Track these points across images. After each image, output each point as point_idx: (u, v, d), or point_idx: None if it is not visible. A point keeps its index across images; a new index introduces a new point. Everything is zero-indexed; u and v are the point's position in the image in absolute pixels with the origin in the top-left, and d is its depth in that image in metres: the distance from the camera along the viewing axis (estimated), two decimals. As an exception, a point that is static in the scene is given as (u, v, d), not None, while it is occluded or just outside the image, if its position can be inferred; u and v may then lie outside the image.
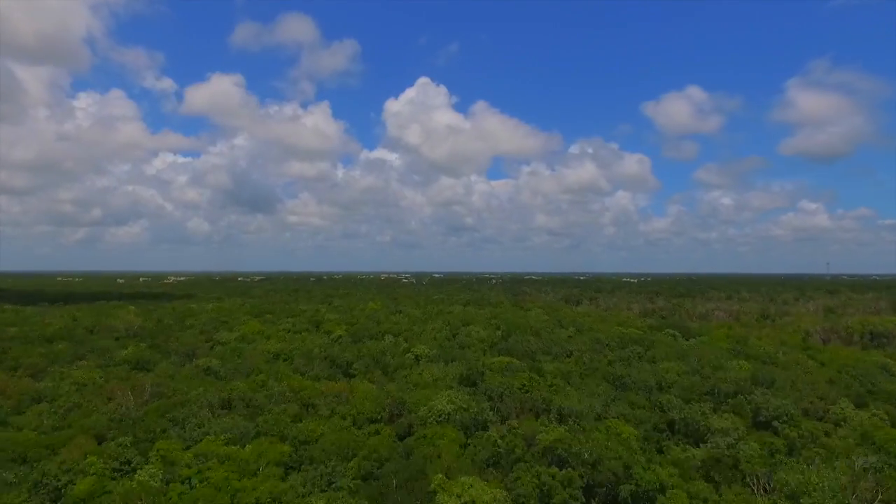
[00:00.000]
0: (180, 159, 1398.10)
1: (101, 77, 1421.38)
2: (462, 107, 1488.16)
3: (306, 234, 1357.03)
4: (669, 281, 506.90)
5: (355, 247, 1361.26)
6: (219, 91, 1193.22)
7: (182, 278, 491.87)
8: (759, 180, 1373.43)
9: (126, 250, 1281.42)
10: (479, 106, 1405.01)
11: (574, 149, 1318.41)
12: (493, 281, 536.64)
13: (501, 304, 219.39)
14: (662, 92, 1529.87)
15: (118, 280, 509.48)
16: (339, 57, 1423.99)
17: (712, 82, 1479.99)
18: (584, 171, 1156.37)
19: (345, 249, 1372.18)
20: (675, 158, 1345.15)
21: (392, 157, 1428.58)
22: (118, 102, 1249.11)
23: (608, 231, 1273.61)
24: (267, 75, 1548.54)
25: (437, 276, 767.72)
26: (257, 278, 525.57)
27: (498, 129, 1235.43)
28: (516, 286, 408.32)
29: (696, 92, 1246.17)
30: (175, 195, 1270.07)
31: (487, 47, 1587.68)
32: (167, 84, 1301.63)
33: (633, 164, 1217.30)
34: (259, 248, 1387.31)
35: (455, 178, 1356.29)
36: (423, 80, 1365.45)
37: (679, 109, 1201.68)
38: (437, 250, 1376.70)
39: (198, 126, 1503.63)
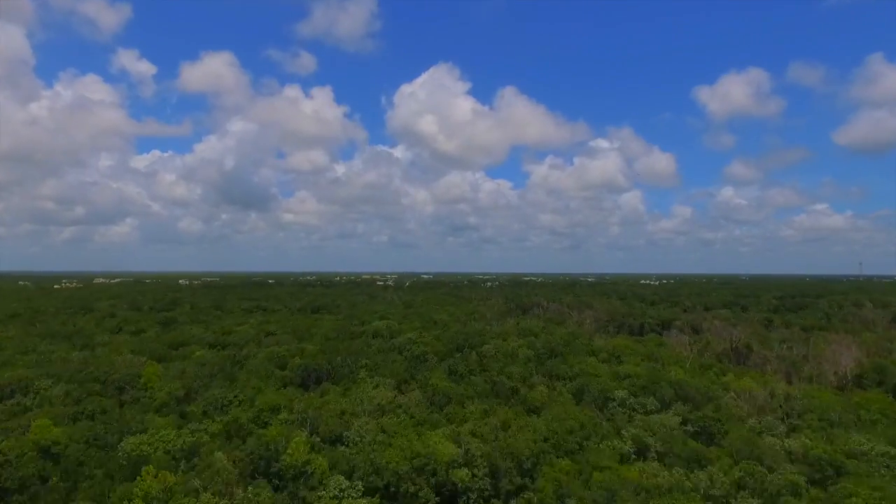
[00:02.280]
0: (165, 154, 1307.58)
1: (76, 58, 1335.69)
2: (481, 92, 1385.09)
3: (302, 232, 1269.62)
4: (737, 285, 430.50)
5: (349, 246, 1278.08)
6: (210, 72, 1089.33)
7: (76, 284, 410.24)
8: (793, 175, 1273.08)
9: (114, 248, 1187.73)
10: (502, 93, 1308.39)
11: (598, 141, 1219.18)
12: (489, 283, 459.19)
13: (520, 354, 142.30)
14: (718, 75, 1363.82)
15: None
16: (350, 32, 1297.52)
17: (774, 65, 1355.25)
18: (602, 166, 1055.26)
19: (339, 249, 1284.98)
20: (714, 149, 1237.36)
21: (399, 149, 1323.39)
22: (96, 87, 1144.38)
23: (613, 231, 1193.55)
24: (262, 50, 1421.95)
25: (426, 276, 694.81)
26: (195, 282, 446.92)
27: (520, 118, 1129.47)
28: (517, 289, 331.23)
29: (757, 74, 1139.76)
30: (161, 189, 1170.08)
31: (514, 29, 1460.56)
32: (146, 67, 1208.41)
33: (658, 158, 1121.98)
34: (248, 247, 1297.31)
35: (464, 172, 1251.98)
36: (440, 63, 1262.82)
37: (736, 92, 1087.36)
38: (436, 249, 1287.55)
39: (183, 109, 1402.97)
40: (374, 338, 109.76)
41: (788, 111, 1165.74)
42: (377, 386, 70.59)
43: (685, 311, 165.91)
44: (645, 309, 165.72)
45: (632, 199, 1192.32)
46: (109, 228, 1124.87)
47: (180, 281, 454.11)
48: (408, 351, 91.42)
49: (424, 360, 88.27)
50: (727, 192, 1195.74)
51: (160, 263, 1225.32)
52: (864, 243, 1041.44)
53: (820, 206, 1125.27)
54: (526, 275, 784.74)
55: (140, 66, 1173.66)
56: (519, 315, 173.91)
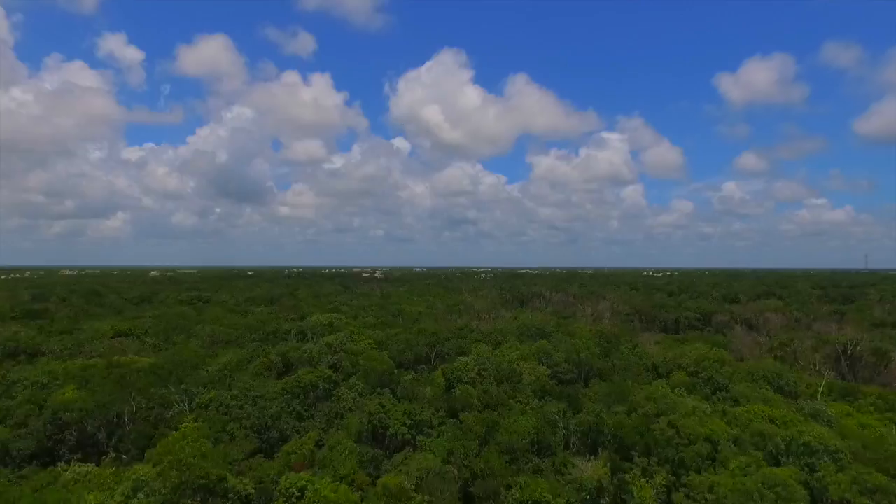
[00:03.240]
0: (158, 145, 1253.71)
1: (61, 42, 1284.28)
2: (489, 80, 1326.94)
3: (297, 226, 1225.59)
4: (750, 278, 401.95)
5: (344, 241, 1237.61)
6: (205, 56, 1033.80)
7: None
8: (803, 166, 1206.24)
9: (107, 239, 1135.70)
10: (510, 80, 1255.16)
11: (605, 132, 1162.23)
12: (482, 275, 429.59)
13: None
14: (740, 61, 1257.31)
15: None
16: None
17: (802, 48, 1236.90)
18: (608, 158, 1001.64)
19: (335, 242, 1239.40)
20: (727, 139, 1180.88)
21: (400, 139, 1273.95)
22: (82, 73, 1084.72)
23: (612, 225, 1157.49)
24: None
25: (418, 269, 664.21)
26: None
27: (527, 107, 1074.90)
28: (513, 280, 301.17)
29: (782, 60, 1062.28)
30: (154, 181, 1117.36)
31: (525, 14, 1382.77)
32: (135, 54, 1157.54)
33: (667, 150, 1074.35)
34: (243, 241, 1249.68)
35: (466, 163, 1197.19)
36: (447, 48, 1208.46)
37: (758, 78, 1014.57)
38: (433, 243, 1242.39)
39: (176, 96, 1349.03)
40: (283, 340, 79.40)
41: (813, 97, 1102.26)
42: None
43: (733, 301, 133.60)
44: (678, 300, 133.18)
45: (634, 192, 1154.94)
46: (101, 222, 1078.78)
47: (151, 273, 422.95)
48: (312, 377, 56.23)
49: (327, 395, 55.17)
50: (732, 185, 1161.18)
51: (159, 258, 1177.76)
52: (865, 237, 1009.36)
53: (822, 200, 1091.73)
54: (521, 268, 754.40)
55: (128, 52, 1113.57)
56: (517, 308, 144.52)
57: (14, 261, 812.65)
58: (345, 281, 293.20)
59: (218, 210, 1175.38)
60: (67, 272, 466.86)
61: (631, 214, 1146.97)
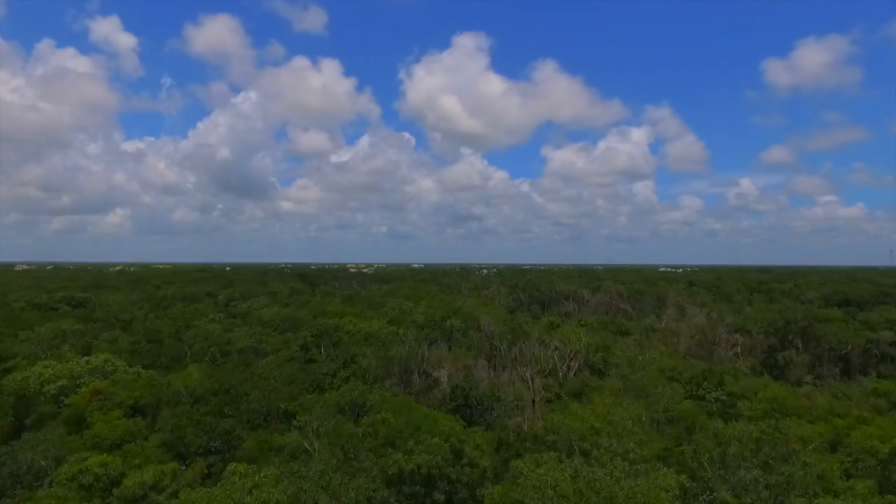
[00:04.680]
0: (157, 138, 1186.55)
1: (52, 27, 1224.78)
2: (510, 66, 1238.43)
3: (298, 222, 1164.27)
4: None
5: (347, 238, 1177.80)
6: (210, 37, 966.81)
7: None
8: (829, 160, 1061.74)
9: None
10: (533, 67, 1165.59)
11: (628, 125, 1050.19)
12: (485, 271, 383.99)
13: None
14: (789, 45, 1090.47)
15: None
16: None
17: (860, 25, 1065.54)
18: (628, 150, 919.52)
19: (336, 239, 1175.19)
20: (760, 130, 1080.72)
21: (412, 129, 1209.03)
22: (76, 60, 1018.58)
23: (620, 221, 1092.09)
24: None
25: (416, 266, 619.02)
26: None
27: (550, 96, 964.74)
28: (520, 277, 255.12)
29: (834, 42, 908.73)
30: (154, 174, 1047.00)
31: None
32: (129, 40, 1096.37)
33: (690, 142, 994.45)
34: (245, 237, 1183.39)
35: (478, 156, 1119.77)
36: (464, 33, 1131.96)
37: (807, 62, 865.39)
38: (434, 239, 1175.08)
39: (177, 85, 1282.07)
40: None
41: (865, 81, 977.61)
42: None
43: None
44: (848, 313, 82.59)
45: (646, 187, 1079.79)
46: (101, 218, 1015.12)
47: (121, 268, 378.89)
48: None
49: None
50: (749, 181, 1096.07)
51: (160, 254, 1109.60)
52: (875, 234, 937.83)
53: (831, 197, 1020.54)
54: (525, 265, 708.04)
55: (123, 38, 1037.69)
56: (539, 313, 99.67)
57: (12, 258, 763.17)
58: (323, 278, 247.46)
59: (220, 206, 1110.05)
60: (22, 267, 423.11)
61: (641, 210, 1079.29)
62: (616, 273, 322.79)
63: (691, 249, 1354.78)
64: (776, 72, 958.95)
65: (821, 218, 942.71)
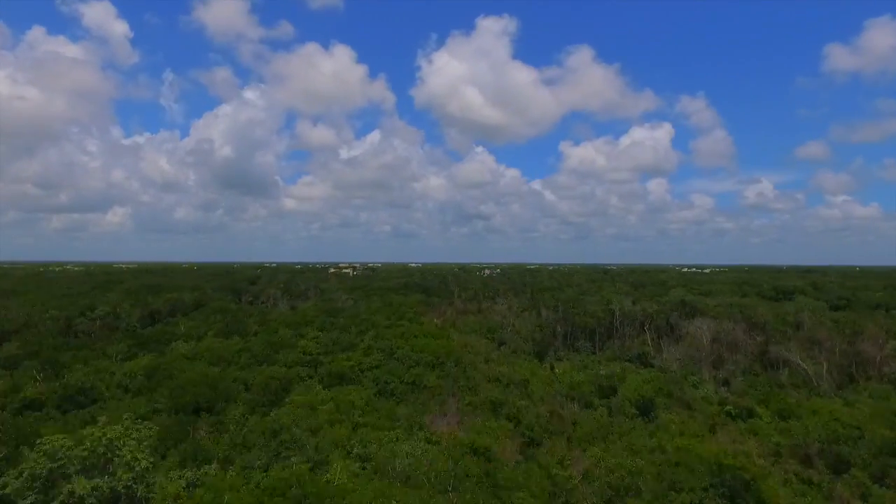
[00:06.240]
0: (156, 134, 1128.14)
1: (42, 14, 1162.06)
2: (537, 54, 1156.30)
3: (301, 221, 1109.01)
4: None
5: (349, 237, 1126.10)
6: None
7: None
8: (862, 154, 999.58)
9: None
10: (562, 55, 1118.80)
11: (662, 112, 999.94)
12: (487, 272, 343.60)
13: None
14: (849, 30, 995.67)
15: None
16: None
17: None
18: (653, 145, 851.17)
19: (338, 237, 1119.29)
20: (798, 122, 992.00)
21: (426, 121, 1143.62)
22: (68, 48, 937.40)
23: (630, 220, 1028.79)
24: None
25: (413, 266, 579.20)
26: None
27: (577, 86, 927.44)
28: (526, 277, 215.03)
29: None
30: (154, 171, 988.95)
31: None
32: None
33: (719, 137, 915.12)
34: (249, 235, 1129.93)
35: (489, 153, 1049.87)
36: (488, 17, 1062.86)
37: (870, 45, 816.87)
38: (439, 238, 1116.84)
39: (177, 77, 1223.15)
40: None
41: None
42: None
43: None
44: None
45: (662, 185, 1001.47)
46: (101, 216, 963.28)
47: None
48: None
49: None
50: (774, 177, 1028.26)
51: (163, 253, 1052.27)
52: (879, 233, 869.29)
53: (846, 197, 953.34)
54: (529, 264, 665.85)
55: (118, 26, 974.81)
56: (590, 351, 58.49)
57: (12, 257, 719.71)
58: (266, 290, 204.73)
59: (222, 203, 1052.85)
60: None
61: (653, 209, 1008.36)
62: (635, 272, 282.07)
63: (696, 249, 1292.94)
64: (838, 56, 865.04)
65: (837, 218, 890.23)
